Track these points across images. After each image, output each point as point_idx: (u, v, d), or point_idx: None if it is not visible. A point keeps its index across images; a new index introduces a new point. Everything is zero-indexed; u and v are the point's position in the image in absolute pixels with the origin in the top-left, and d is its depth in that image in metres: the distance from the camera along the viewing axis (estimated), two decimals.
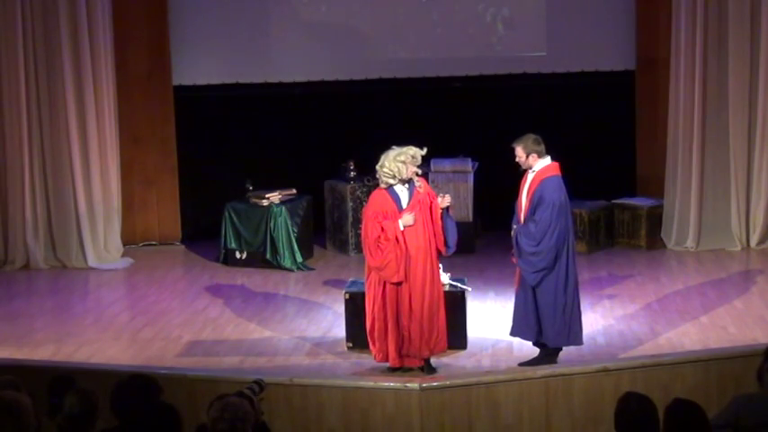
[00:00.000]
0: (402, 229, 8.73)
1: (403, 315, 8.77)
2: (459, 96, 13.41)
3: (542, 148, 8.75)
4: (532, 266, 8.68)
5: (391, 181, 8.80)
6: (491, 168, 12.38)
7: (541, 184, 8.67)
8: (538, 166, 8.73)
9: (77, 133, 12.51)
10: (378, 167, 8.85)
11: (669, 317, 10.11)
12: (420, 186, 8.86)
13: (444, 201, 8.85)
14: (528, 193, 8.75)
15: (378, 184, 8.99)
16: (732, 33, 12.16)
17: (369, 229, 8.74)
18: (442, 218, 8.86)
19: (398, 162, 8.75)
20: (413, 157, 8.77)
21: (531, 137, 8.77)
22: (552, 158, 8.84)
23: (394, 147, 8.84)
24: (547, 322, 8.74)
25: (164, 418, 5.60)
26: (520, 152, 8.75)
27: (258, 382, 5.91)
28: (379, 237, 8.69)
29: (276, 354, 9.52)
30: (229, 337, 10.00)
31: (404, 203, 8.81)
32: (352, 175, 12.67)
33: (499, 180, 11.04)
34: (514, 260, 8.86)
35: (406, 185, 8.83)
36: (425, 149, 8.86)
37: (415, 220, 8.74)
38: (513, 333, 9.04)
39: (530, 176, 8.78)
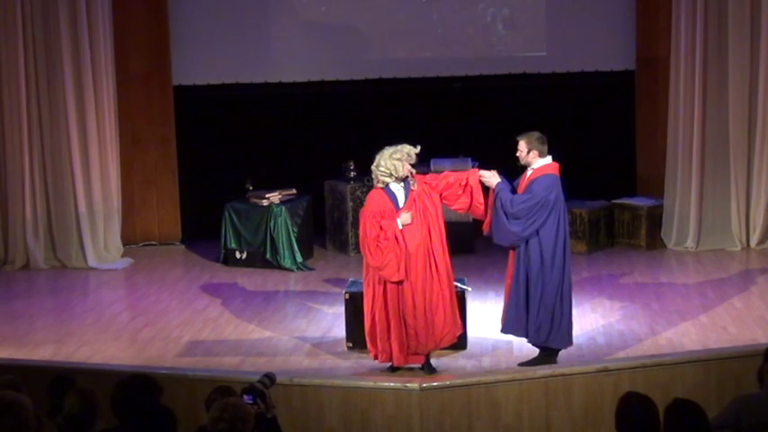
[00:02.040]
0: (401, 227, 8.73)
1: (408, 313, 8.76)
2: (459, 96, 13.41)
3: (545, 147, 8.77)
4: (500, 234, 8.72)
5: (388, 179, 8.80)
6: (491, 168, 12.34)
7: (535, 180, 8.70)
8: (537, 164, 8.75)
9: (77, 133, 12.51)
10: (373, 167, 8.86)
11: (669, 317, 10.11)
12: (414, 183, 8.85)
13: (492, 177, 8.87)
14: (522, 188, 8.77)
15: (374, 185, 8.99)
16: (732, 33, 12.16)
17: (368, 229, 8.75)
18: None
19: (394, 160, 8.76)
20: (408, 154, 8.79)
21: (536, 134, 8.80)
22: (553, 159, 8.85)
23: (387, 147, 8.86)
24: (532, 318, 8.73)
25: (160, 420, 5.60)
26: (522, 146, 8.78)
27: (269, 376, 5.89)
28: (378, 236, 8.69)
29: (276, 354, 9.52)
30: (229, 337, 10.00)
31: (401, 202, 8.81)
32: (352, 175, 12.67)
33: None
34: (486, 229, 8.87)
35: (402, 184, 8.83)
36: (419, 147, 8.88)
37: (413, 219, 8.75)
38: (504, 330, 9.02)
39: (527, 174, 8.80)
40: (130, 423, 5.65)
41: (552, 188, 8.69)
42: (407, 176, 8.82)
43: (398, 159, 8.76)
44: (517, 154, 8.80)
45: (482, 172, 8.88)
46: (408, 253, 8.71)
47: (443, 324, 8.85)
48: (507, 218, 8.66)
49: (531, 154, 8.75)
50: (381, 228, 8.70)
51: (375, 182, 8.91)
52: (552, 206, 8.66)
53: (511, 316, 8.89)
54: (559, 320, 8.76)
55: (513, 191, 8.80)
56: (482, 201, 8.87)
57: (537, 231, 8.64)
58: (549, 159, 8.79)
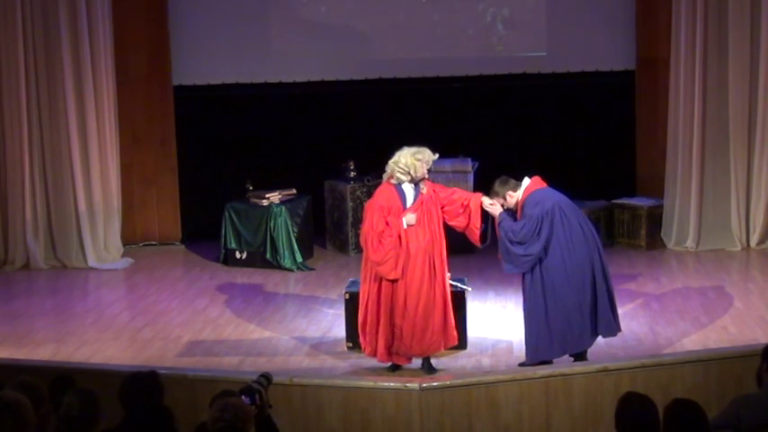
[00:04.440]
0: (405, 227, 8.73)
1: (397, 313, 8.78)
2: (459, 96, 13.41)
3: (510, 182, 8.82)
4: (515, 261, 8.70)
5: (404, 178, 8.79)
6: (491, 168, 12.36)
7: (524, 203, 8.75)
8: (519, 194, 8.78)
9: (77, 133, 12.51)
10: (392, 163, 8.82)
11: (669, 317, 10.12)
12: (424, 188, 8.85)
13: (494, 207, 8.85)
14: (519, 216, 8.82)
15: (376, 184, 8.99)
16: (732, 33, 12.16)
17: (374, 222, 8.73)
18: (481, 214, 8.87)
19: (416, 160, 8.75)
20: (429, 158, 8.80)
21: (494, 184, 8.85)
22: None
23: (406, 146, 8.85)
24: (575, 327, 8.69)
25: (158, 418, 5.59)
26: (500, 201, 8.83)
27: (266, 375, 5.90)
28: (384, 231, 8.70)
29: (276, 354, 9.53)
30: (229, 337, 10.00)
31: (409, 203, 8.82)
32: (352, 175, 12.67)
33: None
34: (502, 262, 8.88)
35: (413, 186, 8.83)
36: (437, 155, 8.92)
37: (417, 221, 8.75)
38: (539, 358, 8.78)
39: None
40: (130, 421, 5.64)
41: (542, 200, 8.70)
42: (422, 179, 8.82)
43: (419, 160, 8.76)
44: (506, 208, 8.81)
45: (485, 198, 8.86)
46: (408, 254, 8.71)
47: (432, 332, 8.83)
48: (514, 245, 8.66)
49: (508, 196, 8.80)
50: (387, 224, 8.71)
51: (387, 177, 8.88)
52: (552, 213, 8.65)
53: (538, 340, 8.75)
54: (604, 309, 8.72)
55: (514, 217, 8.81)
56: (478, 225, 8.87)
57: (548, 240, 8.64)
58: (526, 181, 8.84)
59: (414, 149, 8.80)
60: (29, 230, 12.53)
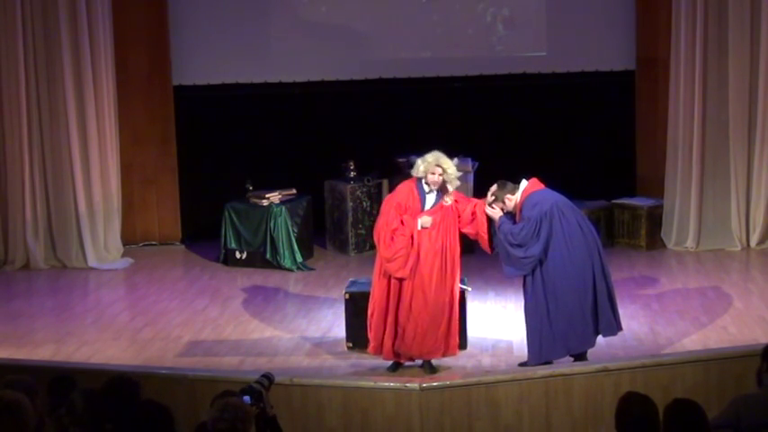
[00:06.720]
0: (419, 228, 8.74)
1: (402, 314, 8.79)
2: (459, 96, 13.41)
3: (508, 185, 8.83)
4: (516, 264, 8.70)
5: (449, 186, 8.84)
6: (491, 168, 12.37)
7: (523, 205, 8.75)
8: (518, 196, 8.78)
9: (77, 133, 12.52)
10: (444, 165, 8.86)
11: (669, 317, 10.12)
12: (448, 200, 8.85)
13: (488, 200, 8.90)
14: (518, 218, 8.81)
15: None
16: (732, 33, 12.16)
17: (390, 218, 8.77)
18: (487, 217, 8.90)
19: (455, 177, 8.87)
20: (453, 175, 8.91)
21: (494, 187, 8.85)
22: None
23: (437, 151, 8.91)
24: (578, 328, 8.69)
25: (154, 416, 5.57)
26: (499, 205, 8.82)
27: (267, 376, 5.90)
28: (397, 229, 8.72)
29: (276, 354, 9.53)
30: (229, 337, 10.01)
31: (427, 206, 8.84)
32: (352, 175, 12.66)
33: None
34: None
35: (435, 192, 8.84)
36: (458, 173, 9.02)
37: (433, 224, 8.75)
38: (539, 360, 8.76)
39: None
40: (130, 421, 5.63)
41: (540, 201, 8.71)
42: (439, 187, 8.83)
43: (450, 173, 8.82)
44: (505, 212, 8.81)
45: (486, 205, 8.87)
46: (418, 255, 8.72)
47: (435, 338, 8.84)
48: (513, 247, 8.66)
49: (506, 200, 8.80)
50: (402, 222, 8.73)
51: (413, 173, 8.90)
52: (551, 214, 8.66)
53: (540, 341, 8.73)
54: (604, 309, 8.72)
55: (515, 221, 8.80)
56: (486, 230, 8.87)
57: (547, 241, 8.64)
58: (523, 183, 8.84)
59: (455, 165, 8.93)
60: (29, 230, 12.53)
